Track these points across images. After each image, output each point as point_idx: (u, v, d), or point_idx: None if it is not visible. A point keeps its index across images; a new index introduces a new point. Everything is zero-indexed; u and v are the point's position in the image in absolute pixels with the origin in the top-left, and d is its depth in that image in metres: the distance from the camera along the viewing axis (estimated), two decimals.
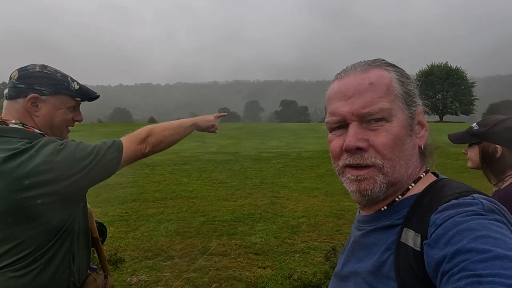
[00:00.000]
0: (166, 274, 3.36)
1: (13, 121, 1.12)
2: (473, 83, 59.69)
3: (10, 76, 1.15)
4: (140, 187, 7.29)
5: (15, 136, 1.08)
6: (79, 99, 1.23)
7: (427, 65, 61.14)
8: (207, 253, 3.86)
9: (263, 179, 8.16)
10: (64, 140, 1.10)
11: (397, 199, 0.60)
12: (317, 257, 3.70)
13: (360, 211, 0.68)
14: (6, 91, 1.16)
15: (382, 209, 0.61)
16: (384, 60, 0.64)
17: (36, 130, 1.13)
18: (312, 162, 10.67)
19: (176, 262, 3.64)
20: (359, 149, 0.58)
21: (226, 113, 1.65)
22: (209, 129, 1.58)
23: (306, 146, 15.28)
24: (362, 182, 0.58)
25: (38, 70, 1.15)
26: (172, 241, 4.25)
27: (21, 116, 1.13)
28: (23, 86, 1.12)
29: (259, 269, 3.46)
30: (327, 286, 2.15)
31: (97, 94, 1.30)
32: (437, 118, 59.49)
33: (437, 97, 58.14)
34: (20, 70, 1.15)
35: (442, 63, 60.64)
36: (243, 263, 3.60)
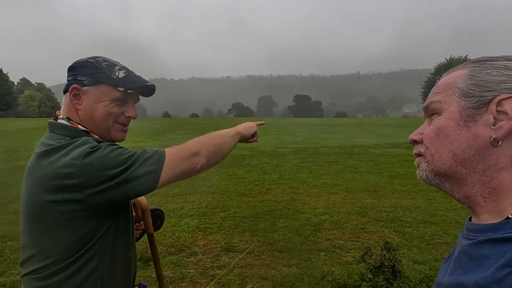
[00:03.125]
0: (190, 270, 3.33)
1: (61, 116, 1.06)
2: None
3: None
4: None
5: (60, 132, 1.02)
6: (122, 89, 1.05)
7: (446, 59, 59.62)
8: (230, 250, 3.82)
9: (281, 175, 8.08)
10: (102, 143, 0.97)
11: (510, 216, 0.53)
12: (344, 256, 3.61)
13: (471, 218, 0.61)
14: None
15: (510, 216, 0.53)
16: (482, 57, 0.61)
17: (80, 126, 1.05)
18: (330, 158, 10.52)
19: (199, 258, 3.61)
20: (414, 142, 0.64)
21: (264, 122, 1.43)
22: (250, 139, 1.35)
23: (322, 142, 15.11)
24: (418, 169, 0.63)
25: (84, 60, 1.07)
26: (194, 237, 4.23)
27: (68, 111, 1.07)
28: (70, 78, 1.07)
29: (285, 267, 3.39)
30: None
31: (149, 83, 1.10)
32: None
33: None
34: (74, 62, 1.09)
35: (461, 56, 59.04)
36: (267, 260, 3.54)
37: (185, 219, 4.91)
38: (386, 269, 1.94)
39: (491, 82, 0.56)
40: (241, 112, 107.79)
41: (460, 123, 0.57)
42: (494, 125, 0.55)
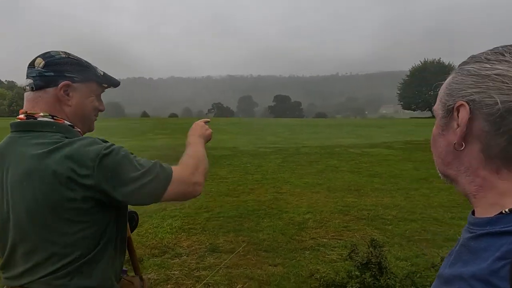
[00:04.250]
0: (175, 272, 3.28)
1: (41, 114, 1.03)
2: None
3: (33, 64, 1.05)
4: None
5: (47, 130, 0.99)
6: (105, 85, 1.16)
7: (420, 61, 61.53)
8: (215, 250, 3.79)
9: (264, 175, 8.10)
10: (109, 144, 1.02)
11: (504, 211, 0.56)
12: (328, 255, 3.66)
13: (474, 213, 0.64)
14: (29, 81, 1.05)
15: (503, 212, 0.56)
16: (469, 57, 0.63)
17: (66, 122, 1.05)
18: (311, 158, 10.64)
19: (184, 259, 3.56)
20: None
21: (209, 119, 1.50)
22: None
23: (303, 142, 15.27)
24: None
25: (64, 56, 1.07)
26: (178, 238, 4.17)
27: (51, 107, 1.04)
28: (52, 74, 1.03)
29: (270, 266, 3.39)
30: (351, 286, 2.10)
31: (118, 80, 1.23)
32: (429, 113, 60.06)
33: (430, 93, 58.59)
34: (44, 57, 1.05)
35: (435, 59, 61.07)
36: (253, 260, 3.54)
37: (168, 220, 4.84)
38: (373, 265, 1.99)
39: (455, 89, 0.61)
40: (221, 112, 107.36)
41: (440, 131, 0.63)
42: (456, 131, 0.60)
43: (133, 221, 1.36)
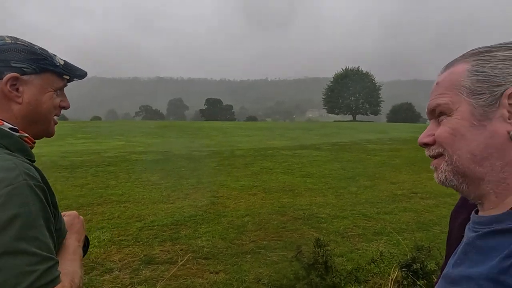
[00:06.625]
0: None
1: None
2: (379, 86, 66.78)
3: None
4: (59, 192, 6.41)
5: None
6: (67, 77, 0.94)
7: (342, 69, 66.48)
8: (151, 262, 3.52)
9: (199, 179, 7.88)
10: (17, 185, 0.71)
11: None
12: (269, 257, 3.65)
13: (479, 211, 0.62)
14: None
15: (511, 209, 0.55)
16: (480, 48, 0.60)
17: (6, 124, 0.82)
18: (246, 160, 10.69)
19: (116, 275, 3.24)
20: (425, 144, 0.63)
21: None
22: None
23: (237, 144, 15.29)
24: (436, 172, 0.62)
25: (10, 42, 0.85)
26: (107, 251, 3.79)
27: None
28: None
29: (212, 274, 3.27)
30: (300, 287, 2.08)
31: (85, 71, 1.01)
32: (350, 117, 65.19)
33: (351, 98, 63.60)
34: None
35: (355, 67, 66.53)
36: (193, 269, 3.37)
37: (95, 232, 4.38)
38: (319, 265, 2.01)
39: (499, 76, 0.55)
40: (150, 115, 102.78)
41: (475, 123, 0.56)
42: (509, 119, 0.54)
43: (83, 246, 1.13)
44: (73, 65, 0.97)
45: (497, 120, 0.55)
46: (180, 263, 3.49)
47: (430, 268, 2.26)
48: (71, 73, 0.95)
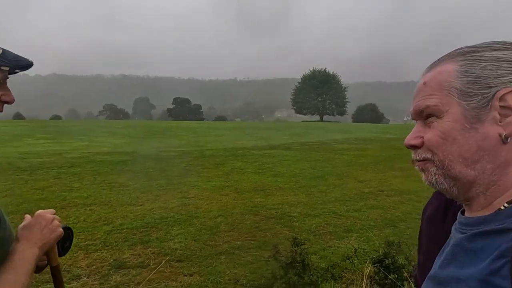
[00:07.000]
0: None
1: None
2: (345, 88, 68.82)
3: None
4: (18, 196, 6.04)
5: None
6: (6, 68, 0.83)
7: (310, 70, 67.79)
8: (121, 267, 3.40)
9: (169, 180, 7.71)
10: None
11: (502, 207, 0.54)
12: (244, 257, 3.64)
13: (465, 212, 0.61)
14: None
15: (501, 208, 0.54)
16: (465, 48, 0.59)
17: None
18: (216, 160, 10.60)
19: (84, 281, 3.10)
20: (413, 146, 0.61)
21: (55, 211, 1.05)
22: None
23: (207, 144, 15.13)
24: (424, 173, 0.61)
25: None
26: (74, 257, 3.61)
27: None
28: None
29: (186, 277, 3.21)
30: (278, 286, 2.09)
31: (30, 60, 0.89)
32: (318, 117, 66.62)
33: (318, 99, 64.99)
34: None
35: (322, 69, 68.03)
36: (166, 272, 3.29)
37: None
38: (297, 264, 2.03)
39: (489, 77, 0.55)
40: (114, 114, 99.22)
41: (467, 125, 0.55)
42: (500, 122, 0.54)
43: (67, 240, 1.02)
44: (14, 54, 0.86)
45: (489, 122, 0.54)
46: (153, 267, 3.40)
47: (401, 263, 2.35)
48: (12, 63, 0.84)
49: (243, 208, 5.54)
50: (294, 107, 69.30)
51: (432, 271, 0.62)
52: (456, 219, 0.62)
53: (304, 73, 68.53)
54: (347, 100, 67.89)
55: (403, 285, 2.31)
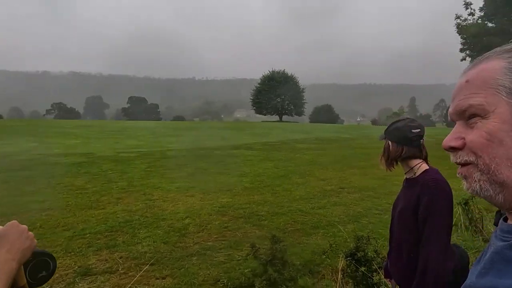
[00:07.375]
0: None
1: None
2: (303, 89, 70.57)
3: None
4: None
5: None
6: None
7: (269, 71, 68.61)
8: (87, 273, 3.24)
9: (130, 182, 7.45)
10: None
11: None
12: (216, 257, 3.63)
13: (508, 219, 0.58)
14: None
15: None
16: None
17: None
18: (179, 161, 10.41)
19: None
20: (453, 148, 0.56)
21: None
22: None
23: (168, 145, 14.79)
24: (466, 181, 0.56)
25: None
26: None
27: None
28: None
29: (158, 280, 3.14)
30: (260, 284, 2.13)
31: None
32: (277, 118, 67.66)
33: (277, 100, 66.00)
34: None
35: (281, 70, 69.10)
36: (137, 277, 3.19)
37: None
38: (277, 261, 2.08)
39: None
40: (64, 113, 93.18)
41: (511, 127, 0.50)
42: None
43: (43, 269, 0.85)
44: None
45: None
46: (122, 272, 3.28)
47: (370, 256, 2.50)
48: None
49: (210, 208, 5.51)
50: (254, 108, 69.78)
51: (468, 281, 0.59)
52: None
53: (263, 74, 69.26)
54: (304, 101, 69.67)
55: (372, 276, 2.45)
